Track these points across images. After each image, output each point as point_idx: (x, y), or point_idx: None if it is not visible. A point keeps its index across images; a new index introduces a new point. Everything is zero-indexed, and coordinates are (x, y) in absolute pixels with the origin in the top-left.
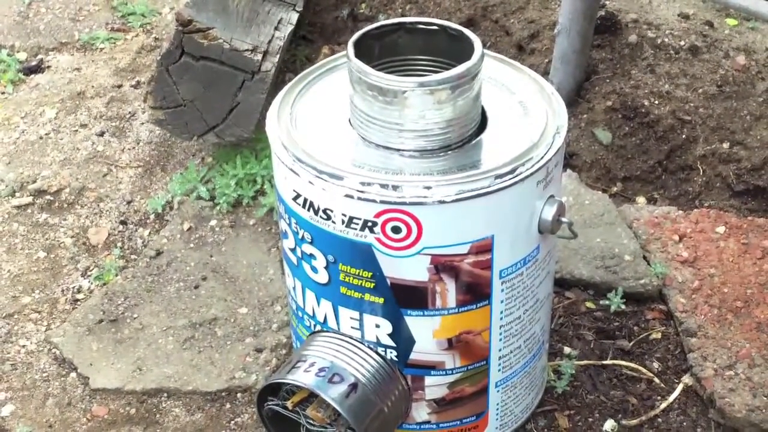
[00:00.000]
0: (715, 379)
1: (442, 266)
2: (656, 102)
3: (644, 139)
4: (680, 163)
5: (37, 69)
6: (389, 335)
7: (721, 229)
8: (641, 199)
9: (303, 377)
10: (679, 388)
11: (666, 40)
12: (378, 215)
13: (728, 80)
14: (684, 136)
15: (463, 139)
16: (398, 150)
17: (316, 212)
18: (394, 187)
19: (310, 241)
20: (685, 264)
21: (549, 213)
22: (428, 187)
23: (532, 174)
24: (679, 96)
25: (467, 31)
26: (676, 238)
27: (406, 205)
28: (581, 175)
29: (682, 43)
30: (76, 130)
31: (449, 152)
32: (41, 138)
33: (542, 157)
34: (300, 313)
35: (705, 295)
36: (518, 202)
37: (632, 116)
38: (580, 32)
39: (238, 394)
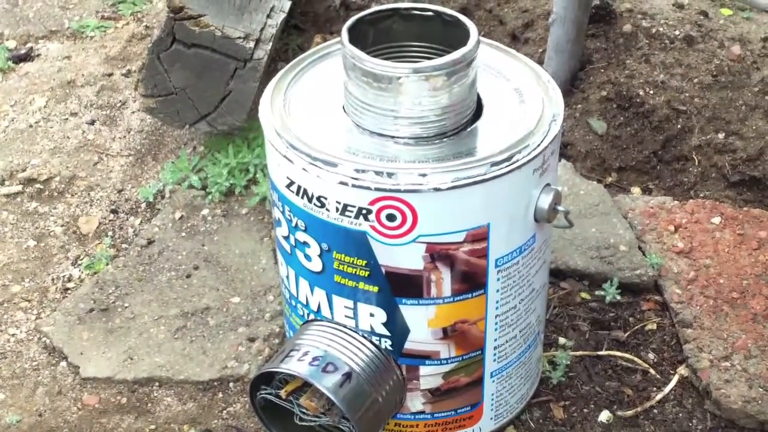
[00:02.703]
0: (711, 370)
1: (438, 254)
2: (651, 92)
3: (639, 129)
4: (675, 154)
5: (27, 57)
6: (384, 324)
7: (716, 220)
8: (636, 190)
9: (297, 366)
10: (675, 379)
11: (661, 29)
12: (373, 203)
13: (723, 70)
14: (679, 126)
15: (459, 126)
16: (393, 137)
17: (309, 200)
18: (389, 175)
19: (303, 228)
20: (681, 255)
21: (545, 201)
22: (423, 175)
23: (528, 162)
24: (674, 86)
25: (463, 17)
26: (672, 228)
27: (401, 193)
28: (576, 165)
29: (677, 32)
30: (66, 119)
31: (445, 139)
32: (31, 126)
33: (539, 145)
34: (293, 302)
35: (701, 286)
36: (514, 190)
37: (627, 106)
38: (574, 21)
39: (231, 384)
